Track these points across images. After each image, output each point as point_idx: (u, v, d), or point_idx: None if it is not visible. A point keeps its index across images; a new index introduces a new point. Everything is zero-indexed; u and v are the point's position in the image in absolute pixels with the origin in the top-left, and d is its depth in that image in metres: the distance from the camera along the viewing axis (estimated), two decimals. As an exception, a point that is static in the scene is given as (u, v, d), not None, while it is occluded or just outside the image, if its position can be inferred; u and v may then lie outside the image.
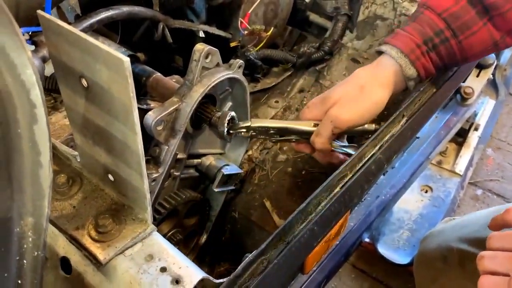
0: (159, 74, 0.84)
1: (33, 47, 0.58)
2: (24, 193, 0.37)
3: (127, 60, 0.40)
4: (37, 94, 0.36)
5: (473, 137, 1.53)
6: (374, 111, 0.79)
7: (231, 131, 0.78)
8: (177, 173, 0.83)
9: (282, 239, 0.58)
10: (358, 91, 0.78)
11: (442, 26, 0.78)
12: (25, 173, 0.36)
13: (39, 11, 0.46)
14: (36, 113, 0.36)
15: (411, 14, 0.84)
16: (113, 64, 0.42)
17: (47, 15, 0.46)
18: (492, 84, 1.62)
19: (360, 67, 0.84)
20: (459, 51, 0.79)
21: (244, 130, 0.81)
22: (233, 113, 0.77)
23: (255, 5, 1.03)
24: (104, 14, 0.68)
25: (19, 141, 0.36)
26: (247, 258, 0.55)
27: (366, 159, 0.70)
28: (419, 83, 0.84)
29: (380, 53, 0.83)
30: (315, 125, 0.81)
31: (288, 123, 0.84)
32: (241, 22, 1.01)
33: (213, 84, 0.73)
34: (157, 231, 0.57)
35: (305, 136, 0.83)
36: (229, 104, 0.85)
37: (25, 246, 0.38)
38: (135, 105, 0.44)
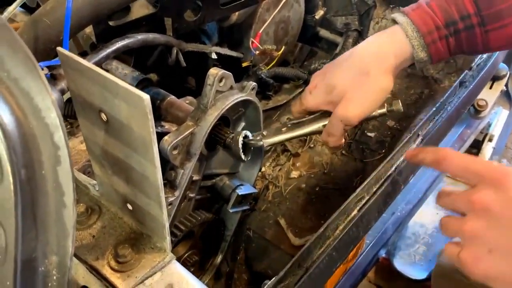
0: (173, 97, 0.85)
1: (51, 80, 0.59)
2: (48, 233, 0.37)
3: (147, 97, 0.40)
4: (60, 136, 0.36)
5: (488, 148, 1.51)
6: (381, 98, 0.74)
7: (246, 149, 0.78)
8: (192, 195, 0.83)
9: (301, 266, 0.58)
10: (364, 77, 0.72)
11: (472, 10, 0.69)
12: (49, 214, 0.37)
13: (59, 48, 0.47)
14: (59, 155, 0.36)
15: None
16: (132, 100, 0.42)
17: (66, 52, 0.47)
18: (506, 95, 1.60)
19: (365, 40, 0.78)
20: (482, 41, 0.71)
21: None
22: (247, 133, 0.77)
23: (265, 24, 1.04)
24: (120, 44, 0.69)
25: (43, 182, 0.36)
26: (266, 286, 0.55)
27: (383, 180, 0.70)
28: (428, 65, 0.78)
29: (394, 21, 0.75)
30: (324, 125, 0.80)
31: (297, 131, 0.82)
32: (252, 42, 1.02)
33: (227, 107, 0.74)
34: (174, 253, 0.57)
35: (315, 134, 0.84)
36: (243, 124, 0.85)
37: (49, 284, 0.38)
38: (154, 140, 0.44)
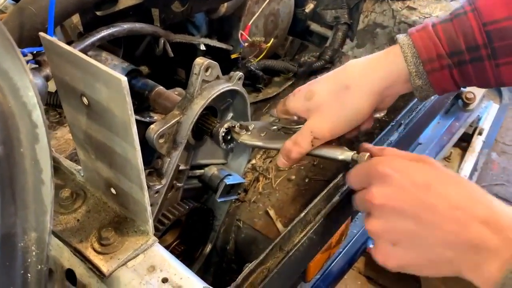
0: (161, 87, 0.86)
1: (36, 66, 0.60)
2: (27, 209, 0.38)
3: (124, 80, 0.41)
4: (38, 115, 0.37)
5: (477, 142, 1.53)
6: (355, 120, 0.68)
7: (227, 141, 0.79)
8: (180, 184, 0.84)
9: (282, 248, 0.59)
10: (343, 92, 0.67)
11: (480, 41, 0.61)
12: (28, 190, 0.38)
13: (41, 33, 0.48)
14: (37, 133, 0.37)
15: (456, 9, 0.66)
16: (111, 83, 0.43)
17: (48, 37, 0.48)
18: (496, 89, 1.62)
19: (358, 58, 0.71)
20: (493, 75, 0.63)
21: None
22: (233, 123, 0.78)
23: (255, 17, 1.05)
24: (105, 32, 0.70)
25: (22, 160, 0.37)
26: (247, 268, 0.56)
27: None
28: (433, 95, 0.70)
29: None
30: None
31: (274, 144, 0.78)
32: (242, 34, 1.03)
33: (213, 97, 0.75)
34: (162, 241, 0.58)
35: None
36: (230, 114, 0.86)
37: (29, 260, 0.39)
38: (133, 122, 0.45)
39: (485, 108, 1.58)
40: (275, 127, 0.80)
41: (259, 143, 0.77)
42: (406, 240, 0.54)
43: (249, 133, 0.79)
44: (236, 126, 0.78)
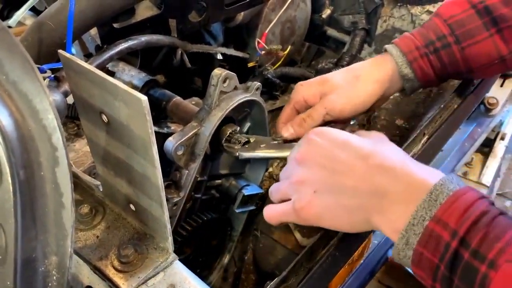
0: (178, 98, 0.85)
1: (55, 82, 0.60)
2: (48, 233, 0.38)
3: (145, 99, 0.41)
4: (58, 138, 0.37)
5: (500, 147, 1.49)
6: (367, 103, 0.81)
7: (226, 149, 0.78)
8: (198, 195, 0.83)
9: (304, 266, 0.57)
10: (354, 80, 0.81)
11: (446, 32, 0.80)
12: (48, 214, 0.37)
13: (60, 51, 0.47)
14: (57, 156, 0.37)
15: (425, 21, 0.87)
16: (131, 102, 0.43)
17: (67, 54, 0.47)
18: (518, 92, 1.57)
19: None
20: (461, 59, 0.80)
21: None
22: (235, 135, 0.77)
23: (271, 24, 1.04)
24: (123, 45, 0.70)
25: (42, 183, 0.37)
26: (268, 286, 0.55)
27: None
28: (419, 88, 0.85)
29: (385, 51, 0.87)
30: None
31: (275, 152, 0.80)
32: (258, 42, 1.02)
33: (231, 108, 0.74)
34: (180, 253, 0.57)
35: None
36: (248, 124, 0.85)
37: (49, 284, 0.39)
38: (154, 141, 0.44)
39: (507, 112, 1.54)
40: (275, 142, 0.80)
41: (259, 154, 0.78)
42: (324, 187, 0.59)
43: (246, 146, 0.78)
44: (233, 138, 0.77)
